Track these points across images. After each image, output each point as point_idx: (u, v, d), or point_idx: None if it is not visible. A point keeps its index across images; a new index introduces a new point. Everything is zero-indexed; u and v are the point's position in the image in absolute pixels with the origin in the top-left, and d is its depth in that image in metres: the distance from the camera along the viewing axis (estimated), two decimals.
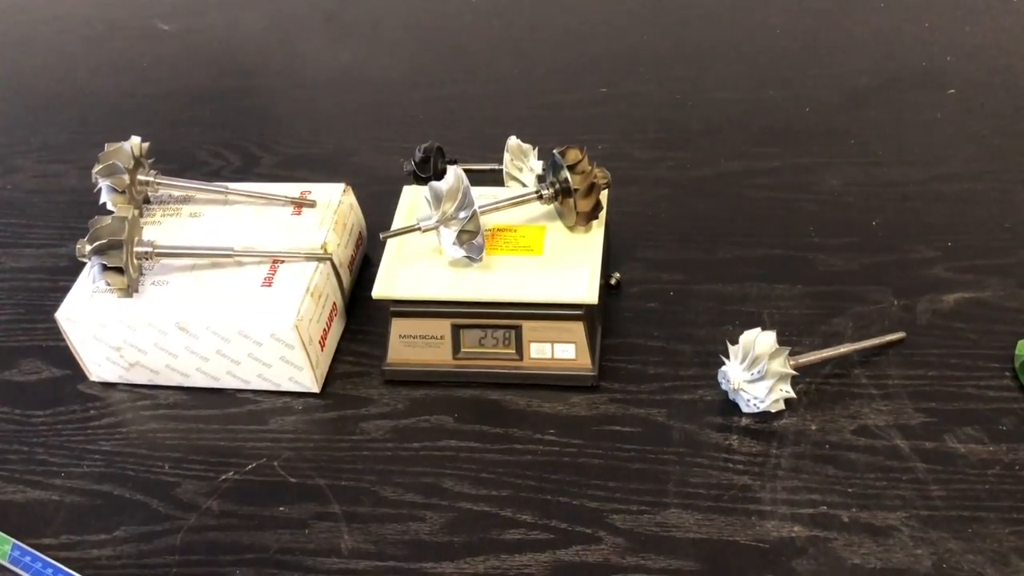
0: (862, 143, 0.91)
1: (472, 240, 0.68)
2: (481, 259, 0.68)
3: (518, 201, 0.72)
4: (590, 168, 0.70)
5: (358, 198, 0.82)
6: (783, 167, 0.89)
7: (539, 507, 0.62)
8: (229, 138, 1.01)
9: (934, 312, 0.73)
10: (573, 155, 0.70)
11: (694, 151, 0.92)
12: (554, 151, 0.71)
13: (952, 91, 0.96)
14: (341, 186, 0.79)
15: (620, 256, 0.80)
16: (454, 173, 0.68)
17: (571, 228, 0.72)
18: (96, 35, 1.25)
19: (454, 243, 0.68)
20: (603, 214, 0.73)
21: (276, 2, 1.27)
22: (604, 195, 0.73)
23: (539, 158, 0.84)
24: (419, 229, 0.69)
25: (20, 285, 0.84)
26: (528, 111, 1.01)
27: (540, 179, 0.73)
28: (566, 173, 0.70)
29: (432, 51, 1.14)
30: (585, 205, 0.70)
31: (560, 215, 0.73)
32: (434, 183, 0.69)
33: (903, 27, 1.08)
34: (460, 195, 0.68)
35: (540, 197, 0.72)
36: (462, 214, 0.68)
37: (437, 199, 0.69)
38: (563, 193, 0.71)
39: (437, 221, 0.69)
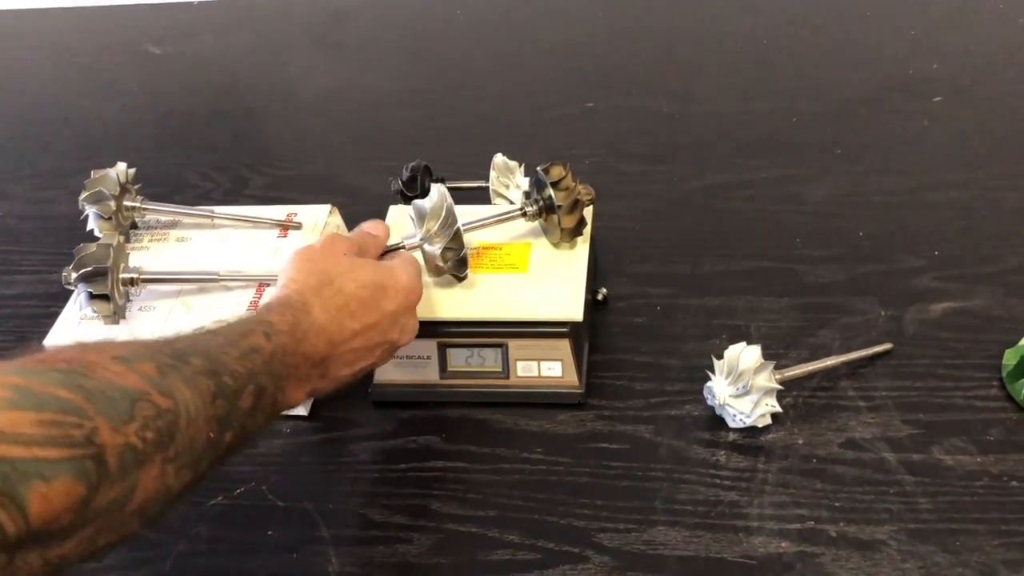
0: (849, 153, 0.91)
1: (456, 257, 0.68)
2: (466, 276, 0.69)
3: (502, 218, 0.72)
4: (574, 184, 0.70)
5: (347, 218, 0.82)
6: (770, 179, 0.89)
7: (526, 527, 0.62)
8: (219, 160, 1.01)
9: (921, 322, 0.73)
10: (556, 172, 0.70)
11: (681, 164, 0.92)
12: (537, 168, 0.71)
13: (939, 98, 0.96)
14: (327, 208, 0.79)
15: (607, 271, 0.80)
16: (437, 191, 0.69)
17: (556, 245, 0.72)
18: (87, 60, 1.26)
19: (438, 262, 0.68)
20: (588, 230, 0.73)
21: (264, 24, 1.28)
22: (588, 211, 0.73)
23: (525, 175, 0.84)
24: (403, 247, 0.69)
25: (12, 312, 0.85)
26: (515, 128, 1.01)
27: (526, 195, 0.74)
28: (549, 190, 0.70)
29: (419, 70, 1.14)
30: (569, 222, 0.70)
31: (545, 232, 0.73)
32: (418, 201, 0.70)
33: (889, 36, 1.08)
34: (443, 213, 0.68)
35: (524, 214, 0.72)
36: (445, 231, 0.68)
37: (421, 217, 0.69)
38: (547, 210, 0.71)
39: (421, 239, 0.69)
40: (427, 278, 0.70)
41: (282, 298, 0.57)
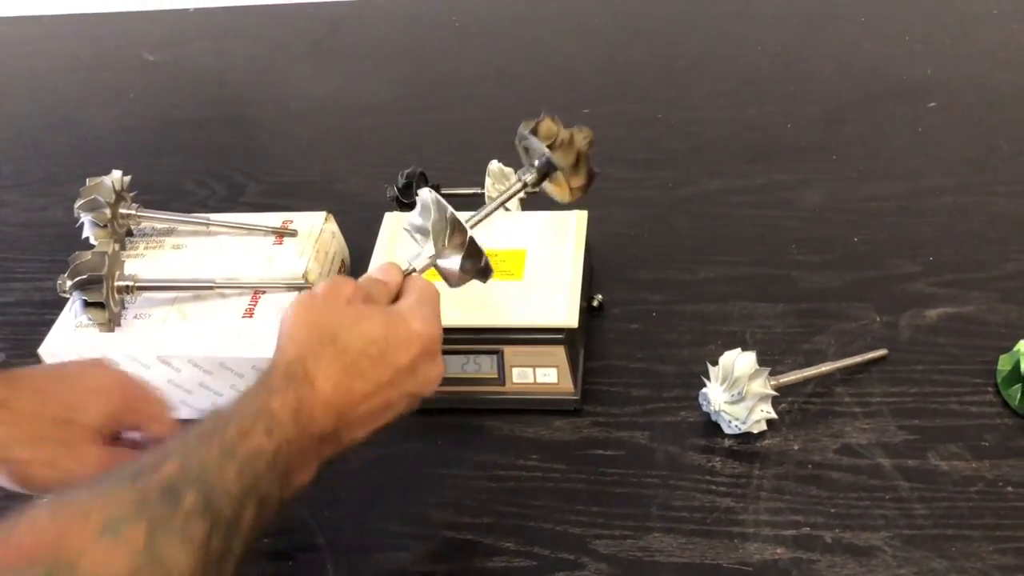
0: (844, 158, 0.91)
1: (478, 267, 0.61)
2: (490, 277, 0.62)
3: (504, 200, 0.67)
4: (568, 136, 0.64)
5: (343, 224, 0.82)
6: (765, 185, 0.89)
7: (522, 534, 0.62)
8: (215, 167, 1.01)
9: (916, 328, 0.73)
10: (547, 129, 0.63)
11: (676, 170, 0.92)
12: (522, 130, 0.64)
13: (933, 104, 0.97)
14: (323, 215, 0.79)
15: (602, 277, 0.80)
16: (429, 199, 0.60)
17: (568, 203, 0.68)
18: (83, 67, 1.26)
19: (458, 280, 0.62)
20: (583, 237, 0.73)
21: (261, 31, 1.28)
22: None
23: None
24: (413, 271, 0.60)
25: (7, 320, 0.85)
26: (511, 134, 1.00)
27: (526, 157, 0.66)
28: (545, 151, 0.64)
29: (416, 76, 1.14)
30: (578, 180, 0.65)
31: (552, 194, 0.69)
32: (410, 217, 0.63)
33: (883, 41, 1.08)
34: (448, 227, 0.60)
35: (524, 186, 0.67)
36: (456, 242, 0.60)
37: (423, 233, 0.62)
38: (548, 172, 0.66)
39: (431, 257, 0.61)
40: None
41: (281, 368, 0.51)
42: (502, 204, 0.66)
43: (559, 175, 0.65)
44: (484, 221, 0.75)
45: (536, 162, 0.65)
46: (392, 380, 0.54)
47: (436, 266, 0.61)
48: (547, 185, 0.67)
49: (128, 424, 0.58)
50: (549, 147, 0.63)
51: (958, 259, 0.78)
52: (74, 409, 0.55)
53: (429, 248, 0.61)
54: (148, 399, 0.59)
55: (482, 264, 0.61)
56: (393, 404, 0.55)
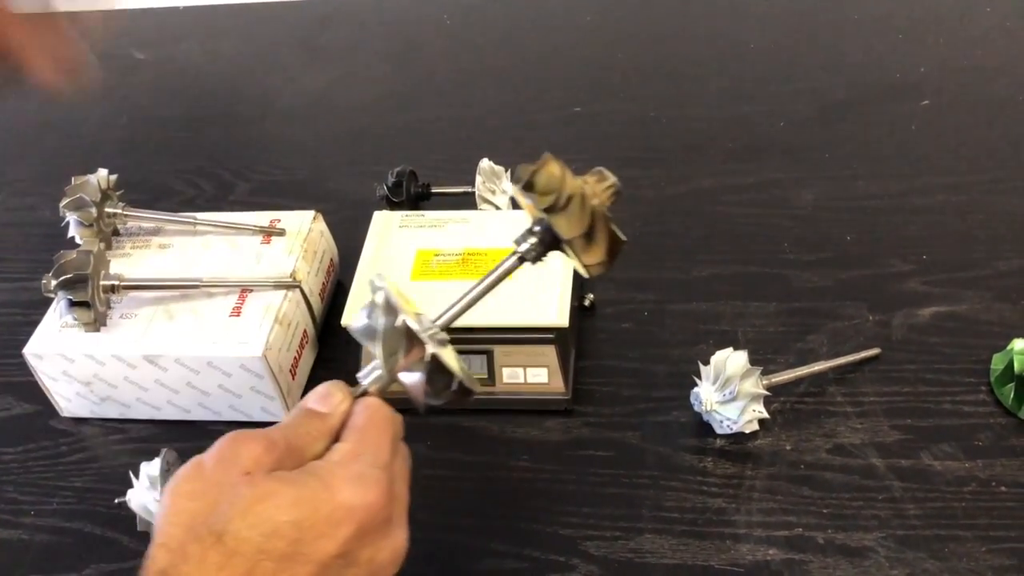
0: (836, 157, 0.91)
1: (451, 388, 0.46)
2: (474, 396, 0.48)
3: (493, 283, 0.50)
4: (577, 192, 0.45)
5: (332, 223, 0.82)
6: (758, 183, 0.89)
7: (512, 535, 0.62)
8: (203, 166, 1.00)
9: (909, 327, 0.72)
10: (547, 181, 0.43)
11: (668, 169, 0.92)
12: (513, 184, 0.46)
13: (926, 102, 0.96)
14: (311, 214, 0.78)
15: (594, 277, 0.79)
16: (383, 299, 0.45)
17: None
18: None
19: (427, 394, 0.47)
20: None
21: (251, 29, 1.27)
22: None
23: (512, 181, 0.83)
24: (366, 392, 0.47)
25: None
26: (502, 132, 1.00)
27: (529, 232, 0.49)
28: (544, 217, 0.46)
29: (406, 74, 1.14)
30: (594, 255, 0.46)
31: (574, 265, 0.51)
32: (356, 316, 0.46)
33: (876, 40, 1.08)
34: (403, 339, 0.44)
35: (522, 261, 0.49)
36: (414, 358, 0.44)
37: (370, 335, 0.46)
38: (555, 242, 0.47)
39: (388, 371, 0.46)
40: (412, 286, 0.69)
41: None
42: (482, 296, 0.49)
43: (568, 251, 0.47)
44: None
45: (536, 228, 0.47)
46: None
47: (400, 381, 0.46)
48: (564, 252, 0.48)
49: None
50: (547, 210, 0.44)
51: (951, 258, 0.78)
52: None
53: (384, 360, 0.45)
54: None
55: (454, 387, 0.45)
56: None
